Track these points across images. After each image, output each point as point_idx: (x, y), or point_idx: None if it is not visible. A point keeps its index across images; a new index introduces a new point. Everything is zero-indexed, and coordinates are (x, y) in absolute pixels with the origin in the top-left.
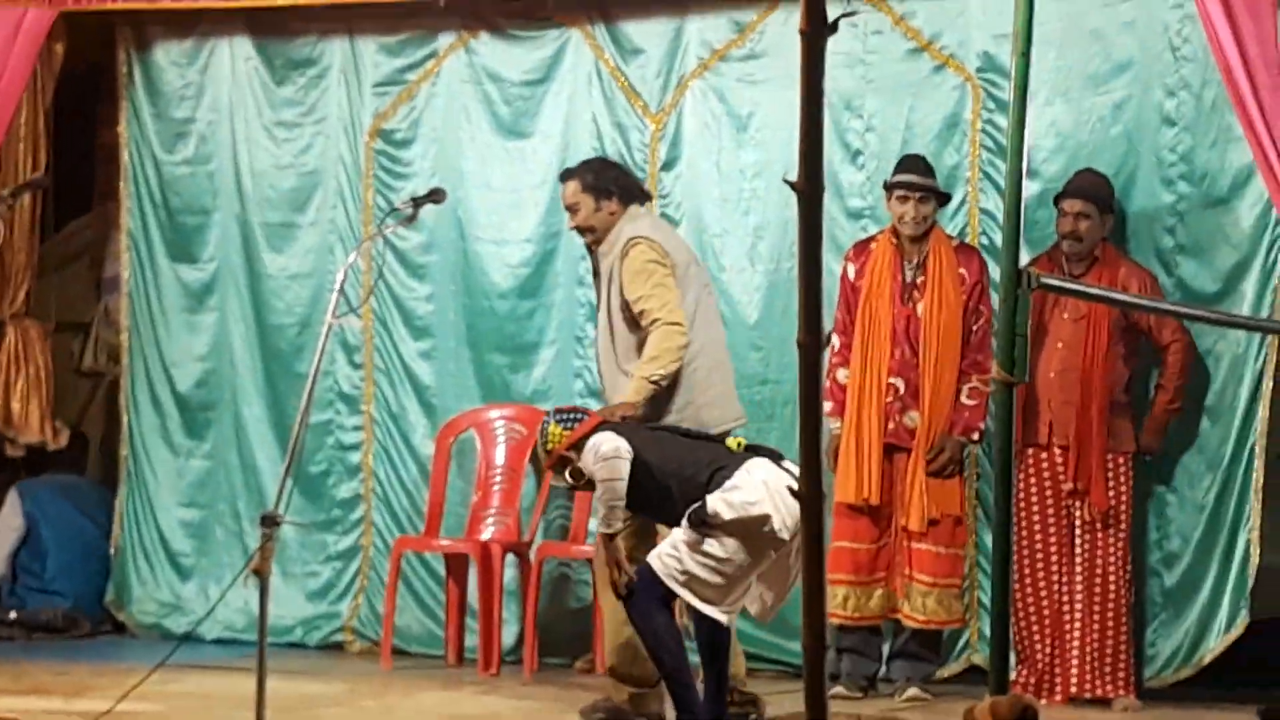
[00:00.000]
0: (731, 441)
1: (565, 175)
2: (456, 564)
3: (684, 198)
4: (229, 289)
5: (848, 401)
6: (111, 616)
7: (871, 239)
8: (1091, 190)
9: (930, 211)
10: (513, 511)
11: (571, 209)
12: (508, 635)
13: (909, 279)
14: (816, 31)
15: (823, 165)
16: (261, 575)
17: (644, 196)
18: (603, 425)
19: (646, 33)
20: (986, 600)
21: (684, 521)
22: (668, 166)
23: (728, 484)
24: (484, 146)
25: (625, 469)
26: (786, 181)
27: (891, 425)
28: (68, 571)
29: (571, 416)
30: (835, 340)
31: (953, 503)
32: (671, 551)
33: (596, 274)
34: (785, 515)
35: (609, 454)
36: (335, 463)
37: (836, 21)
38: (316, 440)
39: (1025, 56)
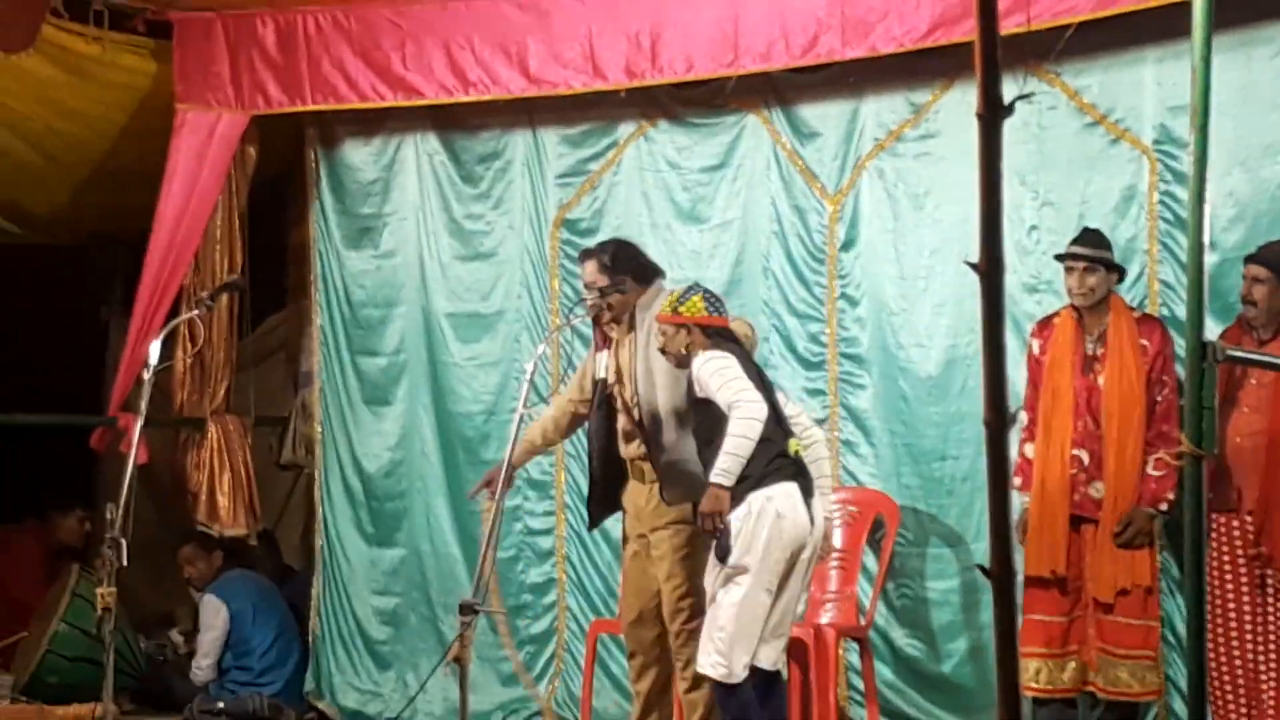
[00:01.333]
0: (793, 444)
1: (583, 255)
2: None
3: (863, 277)
4: (415, 380)
5: (1033, 474)
6: (312, 705)
7: (1055, 314)
8: (1270, 258)
9: (1097, 283)
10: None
11: (591, 286)
12: None
13: (1090, 351)
14: (993, 114)
15: (1003, 245)
16: (461, 663)
17: (656, 274)
18: (734, 347)
19: (823, 115)
20: (1172, 673)
21: (710, 567)
22: (846, 247)
23: (740, 510)
24: (665, 232)
25: (758, 434)
26: (968, 263)
27: (1077, 497)
28: (273, 663)
29: (718, 305)
30: (1023, 416)
31: (1142, 573)
32: (717, 653)
33: (604, 344)
34: (787, 545)
35: (755, 414)
36: (525, 548)
37: (1013, 104)
38: (505, 526)
39: (1204, 130)
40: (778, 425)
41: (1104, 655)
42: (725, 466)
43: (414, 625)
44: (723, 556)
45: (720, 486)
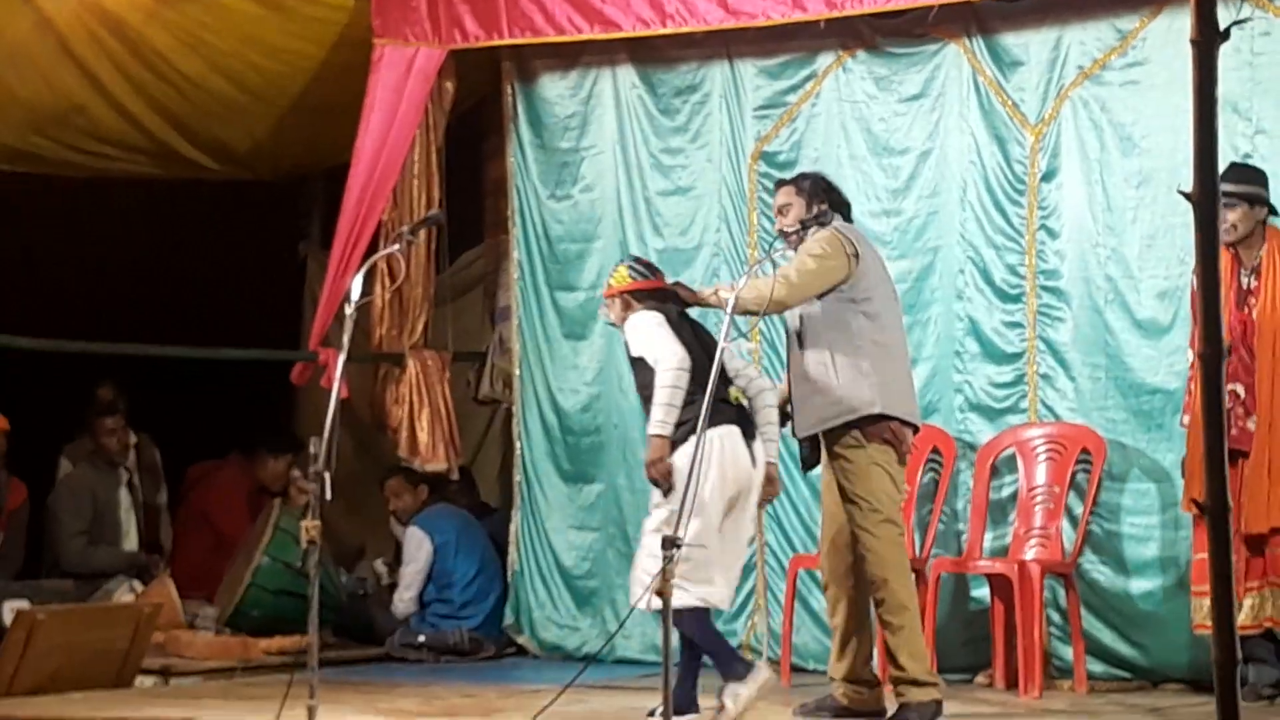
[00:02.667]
0: (733, 392)
1: (779, 183)
2: None
3: (1065, 209)
4: None
5: (1192, 407)
6: (511, 639)
7: None
8: None
9: (1237, 219)
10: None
11: (782, 211)
12: None
13: (1245, 284)
14: (1208, 40)
15: (1217, 174)
16: (664, 597)
17: (848, 213)
18: (664, 306)
19: (1025, 44)
20: None
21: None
22: (1048, 178)
23: (685, 449)
24: (862, 164)
25: (685, 382)
26: (1181, 193)
27: (1234, 431)
28: (474, 597)
29: (642, 270)
30: (1189, 353)
31: None
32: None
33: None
34: (729, 484)
35: (676, 364)
36: None
37: (1229, 29)
38: None
39: None
40: (721, 375)
41: (1274, 588)
42: (659, 418)
43: (611, 561)
44: (667, 493)
45: (658, 436)
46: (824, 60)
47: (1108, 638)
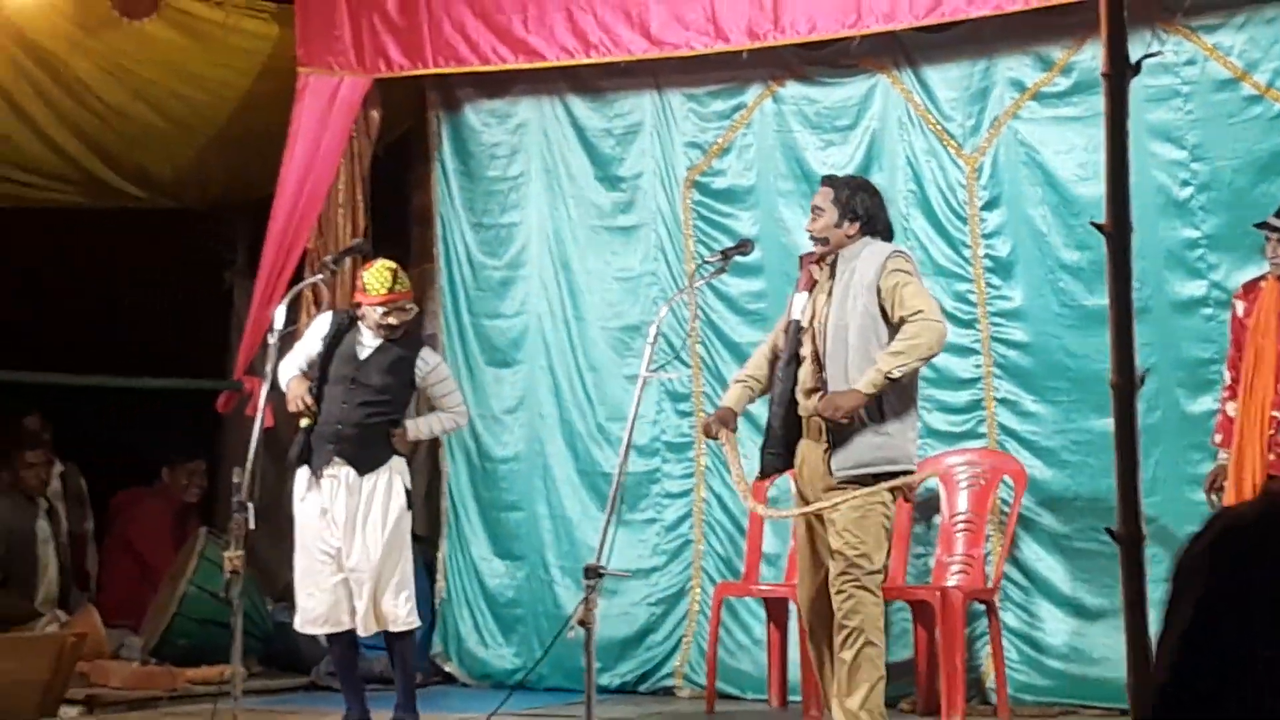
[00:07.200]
0: None
1: (826, 180)
2: (776, 609)
3: (1009, 236)
4: (537, 342)
5: (1234, 434)
6: (439, 667)
7: (1262, 278)
8: None
9: None
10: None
11: (815, 212)
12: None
13: None
14: (1119, 73)
15: (1129, 205)
16: (587, 626)
17: (886, 235)
18: None
19: (954, 75)
20: None
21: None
22: (988, 206)
23: None
24: (800, 194)
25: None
26: (1094, 225)
27: (1274, 457)
28: None
29: None
30: (1227, 376)
31: None
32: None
33: (808, 285)
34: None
35: None
36: (661, 510)
37: (1139, 63)
38: (643, 488)
39: None
40: None
41: None
42: None
43: (535, 589)
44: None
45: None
46: (754, 91)
47: (1033, 665)
